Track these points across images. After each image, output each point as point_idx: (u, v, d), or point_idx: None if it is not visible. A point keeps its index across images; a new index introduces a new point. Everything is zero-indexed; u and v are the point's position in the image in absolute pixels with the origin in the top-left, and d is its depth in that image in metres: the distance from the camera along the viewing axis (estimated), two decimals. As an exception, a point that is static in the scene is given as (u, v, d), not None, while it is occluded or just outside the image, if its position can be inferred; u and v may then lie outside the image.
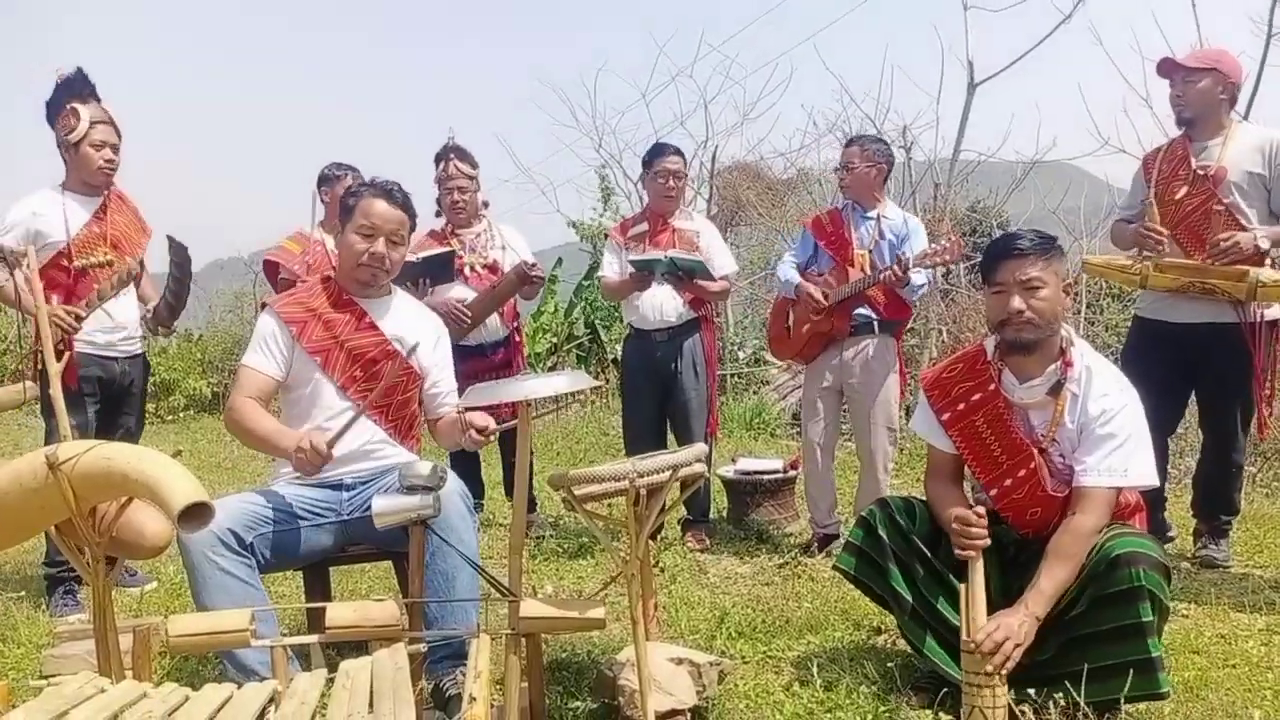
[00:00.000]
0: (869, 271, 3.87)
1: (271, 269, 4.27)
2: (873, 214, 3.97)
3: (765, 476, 4.52)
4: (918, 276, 3.78)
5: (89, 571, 1.96)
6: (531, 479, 4.48)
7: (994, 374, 2.51)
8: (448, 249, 4.24)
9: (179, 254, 3.44)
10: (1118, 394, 2.38)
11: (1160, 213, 3.51)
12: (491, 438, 2.55)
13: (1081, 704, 2.14)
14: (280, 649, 2.03)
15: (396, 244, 2.70)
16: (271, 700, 1.85)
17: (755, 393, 9.19)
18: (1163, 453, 3.63)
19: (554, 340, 12.55)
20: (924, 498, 2.64)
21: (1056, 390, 2.43)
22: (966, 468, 2.59)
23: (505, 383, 2.07)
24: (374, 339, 2.68)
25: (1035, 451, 2.44)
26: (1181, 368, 3.52)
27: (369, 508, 2.53)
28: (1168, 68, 3.55)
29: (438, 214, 4.52)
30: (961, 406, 2.55)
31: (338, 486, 2.62)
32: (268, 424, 2.57)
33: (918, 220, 4.07)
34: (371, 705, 1.76)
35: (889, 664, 2.60)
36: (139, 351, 3.72)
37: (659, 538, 4.17)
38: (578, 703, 2.51)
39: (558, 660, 2.80)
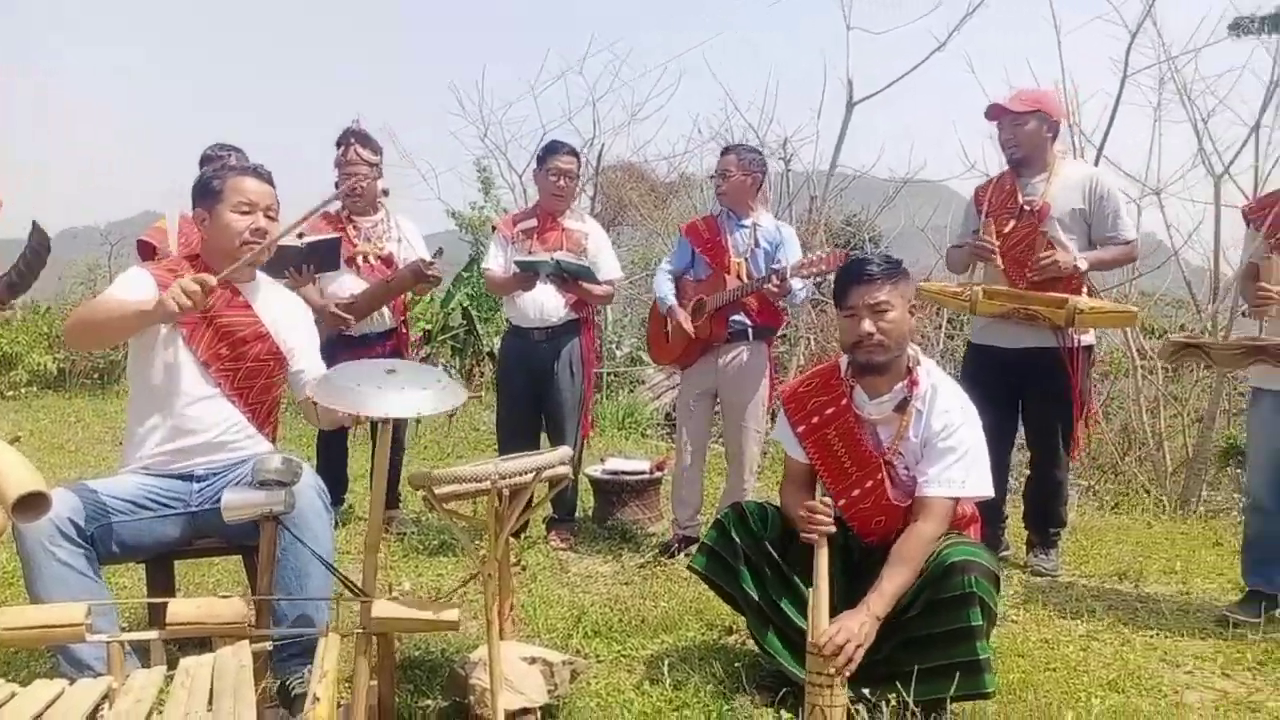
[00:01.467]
0: (744, 278, 3.96)
1: (147, 250, 4.08)
2: (748, 222, 4.08)
3: (632, 477, 4.58)
4: (796, 284, 3.90)
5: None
6: (399, 475, 4.44)
7: (846, 390, 2.63)
8: (334, 235, 4.14)
9: (39, 239, 3.26)
10: (958, 411, 2.53)
11: None
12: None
13: (910, 703, 2.26)
14: (117, 645, 1.96)
15: (272, 219, 2.64)
16: (105, 697, 1.80)
17: (630, 391, 9.27)
18: (1002, 469, 3.86)
19: (428, 329, 12.37)
20: (779, 503, 2.75)
21: (903, 407, 2.56)
22: (818, 477, 2.70)
23: (366, 393, 2.03)
24: (246, 318, 2.61)
25: (882, 464, 2.57)
26: (1009, 389, 3.74)
27: (219, 500, 2.48)
28: (996, 113, 3.76)
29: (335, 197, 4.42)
30: (816, 420, 2.66)
31: (188, 477, 2.53)
32: (120, 304, 2.40)
33: (791, 229, 4.19)
34: (211, 704, 1.72)
35: (736, 664, 2.69)
36: None
37: (523, 535, 4.18)
38: (429, 701, 2.51)
39: (411, 659, 2.78)
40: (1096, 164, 7.10)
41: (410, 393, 2.04)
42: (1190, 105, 6.67)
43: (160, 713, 1.73)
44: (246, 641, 1.97)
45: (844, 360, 2.70)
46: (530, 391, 4.22)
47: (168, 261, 2.65)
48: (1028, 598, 3.51)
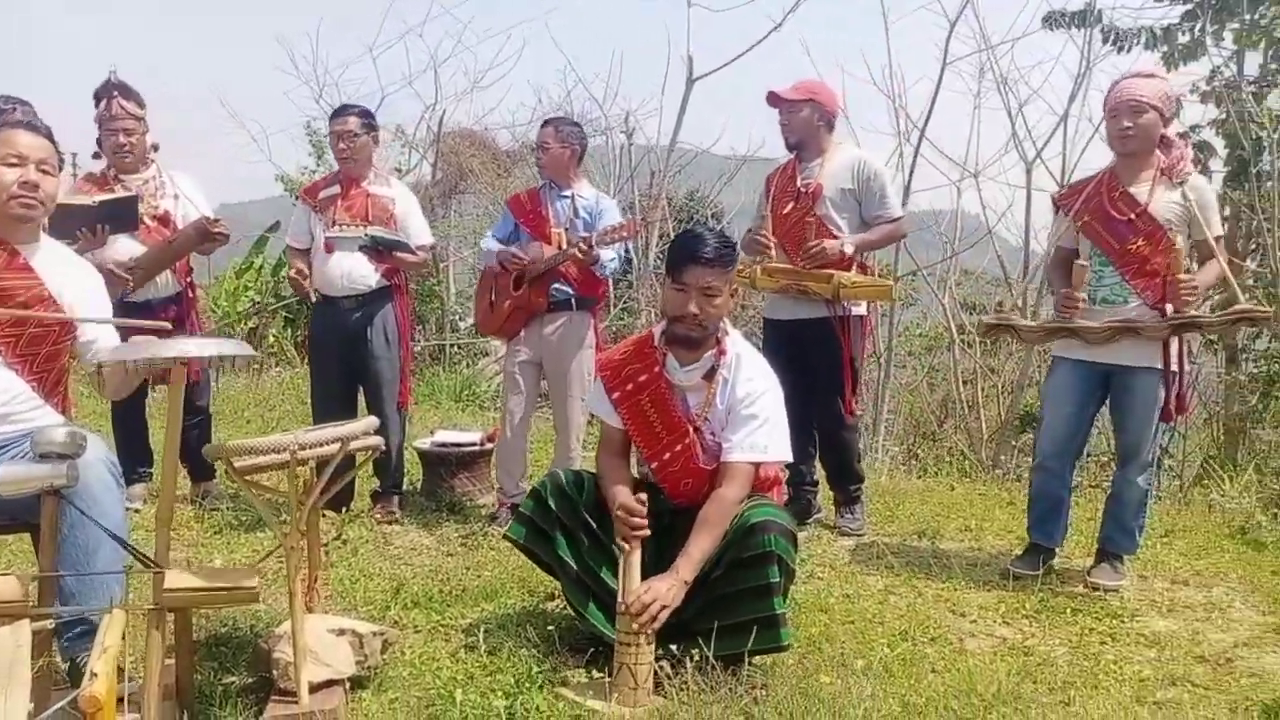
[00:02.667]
0: (563, 247, 4.01)
1: None
2: (568, 193, 4.12)
3: (460, 449, 4.55)
4: (606, 253, 3.96)
5: None
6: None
7: (659, 358, 2.70)
8: (131, 193, 3.90)
9: None
10: (761, 380, 2.65)
11: (774, 224, 3.99)
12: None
13: (710, 657, 2.36)
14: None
15: (48, 173, 2.47)
16: None
17: (473, 364, 9.18)
18: (806, 436, 4.05)
19: (257, 299, 11.85)
20: (595, 469, 2.81)
21: (711, 375, 2.66)
22: (632, 442, 2.77)
23: (160, 341, 1.96)
24: (27, 281, 2.44)
25: (690, 429, 2.67)
26: (798, 358, 3.95)
27: (1, 475, 2.34)
28: (774, 100, 4.00)
29: (95, 156, 4.15)
30: (630, 386, 2.73)
31: (-34, 452, 2.37)
32: None
33: (611, 200, 4.28)
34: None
35: (550, 627, 2.73)
36: None
37: (345, 510, 4.10)
38: (232, 678, 2.45)
39: (217, 635, 2.70)
40: (918, 148, 7.52)
41: (197, 340, 1.99)
42: (1006, 94, 7.16)
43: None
44: (26, 621, 1.88)
45: (658, 329, 2.78)
46: (343, 363, 4.13)
47: None
48: (834, 556, 3.72)
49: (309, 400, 4.29)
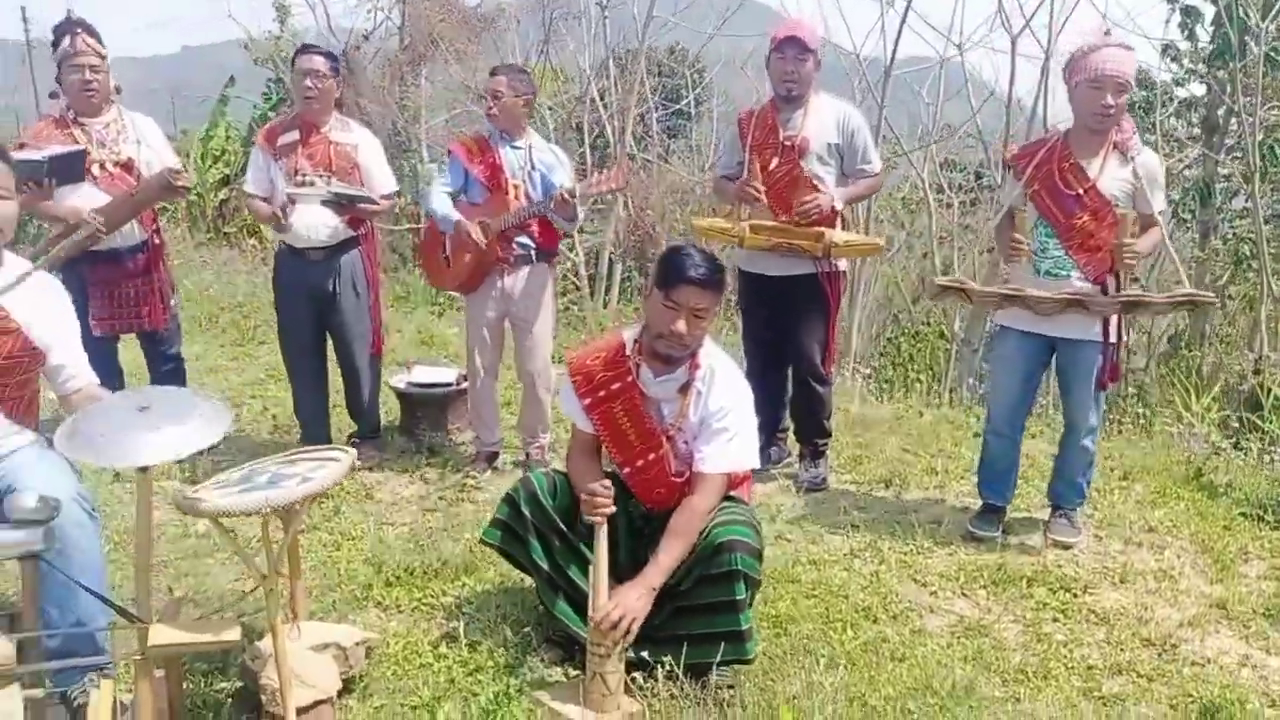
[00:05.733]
0: (524, 201, 3.92)
1: None
2: (521, 143, 4.00)
3: (438, 389, 4.58)
4: (579, 210, 3.90)
5: None
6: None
7: (632, 367, 2.71)
8: (78, 147, 3.76)
9: None
10: (734, 392, 2.68)
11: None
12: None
13: (678, 669, 2.48)
14: None
15: (5, 198, 2.39)
16: None
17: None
18: (779, 386, 4.14)
19: (226, 172, 11.54)
20: (566, 470, 2.86)
21: (685, 388, 2.67)
22: (604, 446, 2.81)
23: (117, 440, 1.93)
24: None
25: (664, 439, 2.70)
26: (776, 311, 3.98)
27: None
28: (788, 42, 3.77)
29: (53, 96, 3.98)
30: (602, 394, 2.74)
31: (-61, 480, 2.38)
32: None
33: (563, 152, 4.18)
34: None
35: (526, 628, 2.84)
36: None
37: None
38: (223, 684, 2.55)
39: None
40: (904, 19, 7.35)
41: (167, 430, 1.96)
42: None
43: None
44: (17, 686, 1.94)
45: (628, 335, 2.77)
46: (312, 313, 4.09)
47: None
48: (801, 515, 3.82)
49: (280, 352, 4.25)
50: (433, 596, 3.12)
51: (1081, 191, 3.30)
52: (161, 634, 2.10)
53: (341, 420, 4.45)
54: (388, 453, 4.37)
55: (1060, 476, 3.64)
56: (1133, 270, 3.30)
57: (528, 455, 4.26)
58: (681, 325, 2.57)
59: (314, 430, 4.25)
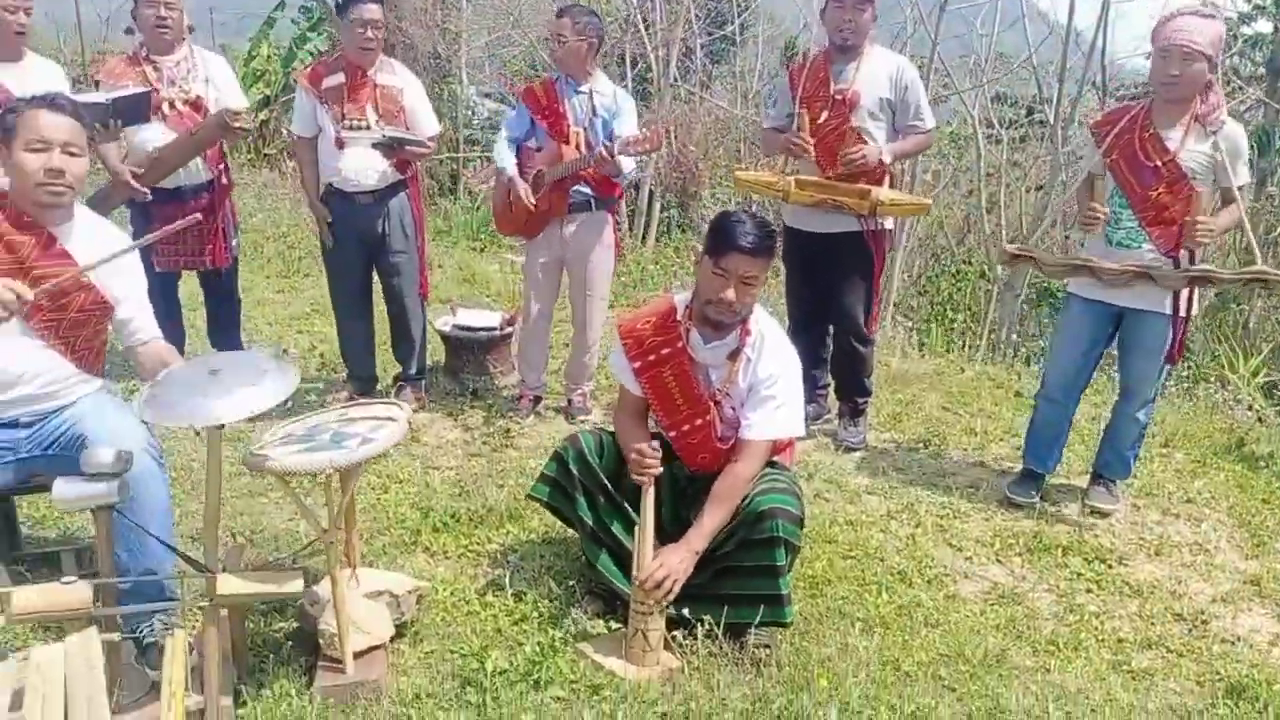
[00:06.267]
0: (583, 149, 3.91)
1: None
2: (585, 88, 3.97)
3: (482, 333, 4.64)
4: (627, 163, 3.88)
5: None
6: (238, 322, 4.45)
7: (682, 333, 2.74)
8: (144, 89, 3.81)
9: None
10: (782, 362, 2.70)
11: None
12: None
13: (717, 629, 2.56)
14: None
15: (75, 155, 2.45)
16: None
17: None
18: (819, 343, 4.15)
19: (267, 92, 11.51)
20: (613, 429, 2.91)
21: (735, 354, 2.70)
22: (651, 409, 2.85)
23: (191, 400, 2.01)
24: (62, 267, 2.46)
25: (711, 404, 2.74)
26: (820, 268, 3.97)
27: (49, 445, 2.47)
28: None
29: (129, 32, 4.03)
30: (652, 358, 2.78)
31: (13, 425, 2.47)
32: None
33: (629, 98, 4.12)
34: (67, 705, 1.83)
35: (569, 581, 2.93)
36: None
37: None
38: (280, 626, 2.67)
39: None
40: None
41: (240, 393, 2.04)
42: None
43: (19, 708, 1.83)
44: (94, 630, 2.05)
45: (679, 300, 2.80)
46: (361, 257, 4.14)
47: None
48: (840, 472, 3.87)
49: (329, 293, 4.31)
50: (478, 544, 3.22)
51: (1160, 164, 3.24)
52: (229, 583, 2.21)
53: (386, 360, 4.53)
54: (432, 395, 4.45)
55: (1109, 446, 3.63)
56: (1204, 247, 3.24)
57: (570, 402, 4.34)
58: (731, 293, 2.59)
59: (360, 371, 4.34)
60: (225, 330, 4.42)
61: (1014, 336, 7.24)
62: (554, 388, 4.49)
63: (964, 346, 6.01)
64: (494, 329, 4.68)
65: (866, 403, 4.22)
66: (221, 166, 4.19)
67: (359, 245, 4.09)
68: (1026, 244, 7.19)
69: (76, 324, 2.48)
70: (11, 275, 2.38)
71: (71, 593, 2.09)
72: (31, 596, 2.09)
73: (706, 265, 2.63)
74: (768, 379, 2.67)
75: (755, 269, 2.59)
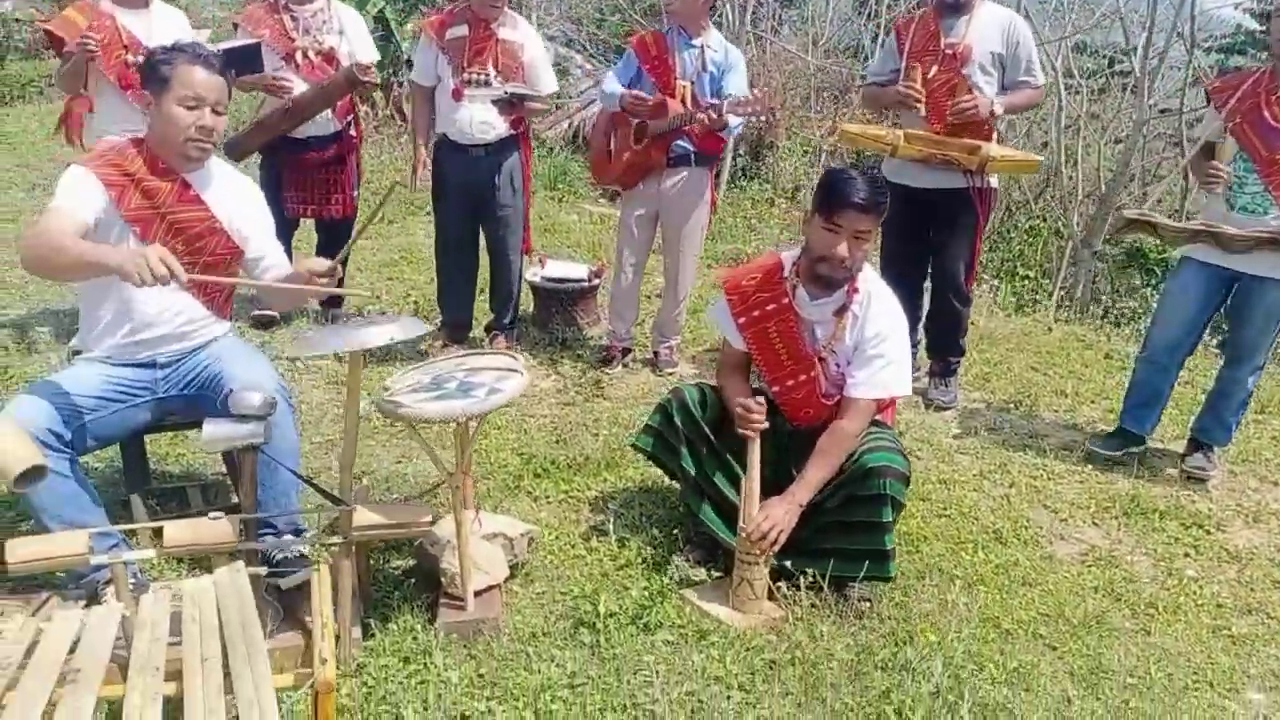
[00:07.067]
0: (689, 103, 3.92)
1: (56, 41, 3.82)
2: (697, 43, 3.96)
3: (571, 285, 4.71)
4: (732, 120, 3.88)
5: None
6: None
7: (789, 289, 2.76)
8: (254, 40, 3.91)
9: None
10: (890, 320, 2.72)
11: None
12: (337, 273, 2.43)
13: (821, 580, 2.62)
14: (120, 565, 2.14)
15: (221, 114, 2.55)
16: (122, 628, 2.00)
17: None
18: (915, 300, 4.12)
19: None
20: (715, 382, 2.97)
21: (841, 311, 2.72)
22: (754, 364, 2.90)
23: (336, 330, 2.12)
24: (199, 213, 2.57)
25: (816, 361, 2.77)
26: (921, 225, 3.95)
27: (185, 384, 2.60)
28: None
29: None
30: (757, 314, 2.81)
31: (150, 365, 2.60)
32: (84, 244, 2.30)
33: (739, 53, 4.09)
34: (223, 634, 1.95)
35: (672, 529, 3.01)
36: None
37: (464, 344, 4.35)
38: (399, 562, 2.79)
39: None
40: None
41: (381, 327, 2.18)
42: None
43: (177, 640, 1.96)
44: (242, 564, 2.17)
45: (786, 257, 2.82)
46: (468, 206, 4.20)
47: (111, 154, 2.53)
48: (932, 430, 3.88)
49: (435, 241, 4.40)
50: (578, 490, 3.31)
51: None
52: (364, 516, 2.32)
53: (478, 309, 4.62)
54: (522, 344, 4.54)
55: (1211, 411, 3.60)
56: None
57: (657, 355, 4.40)
58: (843, 249, 2.60)
59: (457, 319, 4.44)
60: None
61: (1088, 296, 7.10)
62: (640, 340, 4.55)
63: (1034, 305, 5.92)
64: (582, 280, 4.74)
65: (959, 362, 4.22)
66: (350, 118, 4.29)
67: (466, 197, 4.16)
68: (1107, 200, 7.08)
69: (208, 267, 2.58)
70: (149, 220, 2.50)
71: (218, 527, 2.22)
72: (182, 530, 2.22)
73: (817, 222, 2.65)
74: (875, 337, 2.69)
75: (867, 224, 2.60)
